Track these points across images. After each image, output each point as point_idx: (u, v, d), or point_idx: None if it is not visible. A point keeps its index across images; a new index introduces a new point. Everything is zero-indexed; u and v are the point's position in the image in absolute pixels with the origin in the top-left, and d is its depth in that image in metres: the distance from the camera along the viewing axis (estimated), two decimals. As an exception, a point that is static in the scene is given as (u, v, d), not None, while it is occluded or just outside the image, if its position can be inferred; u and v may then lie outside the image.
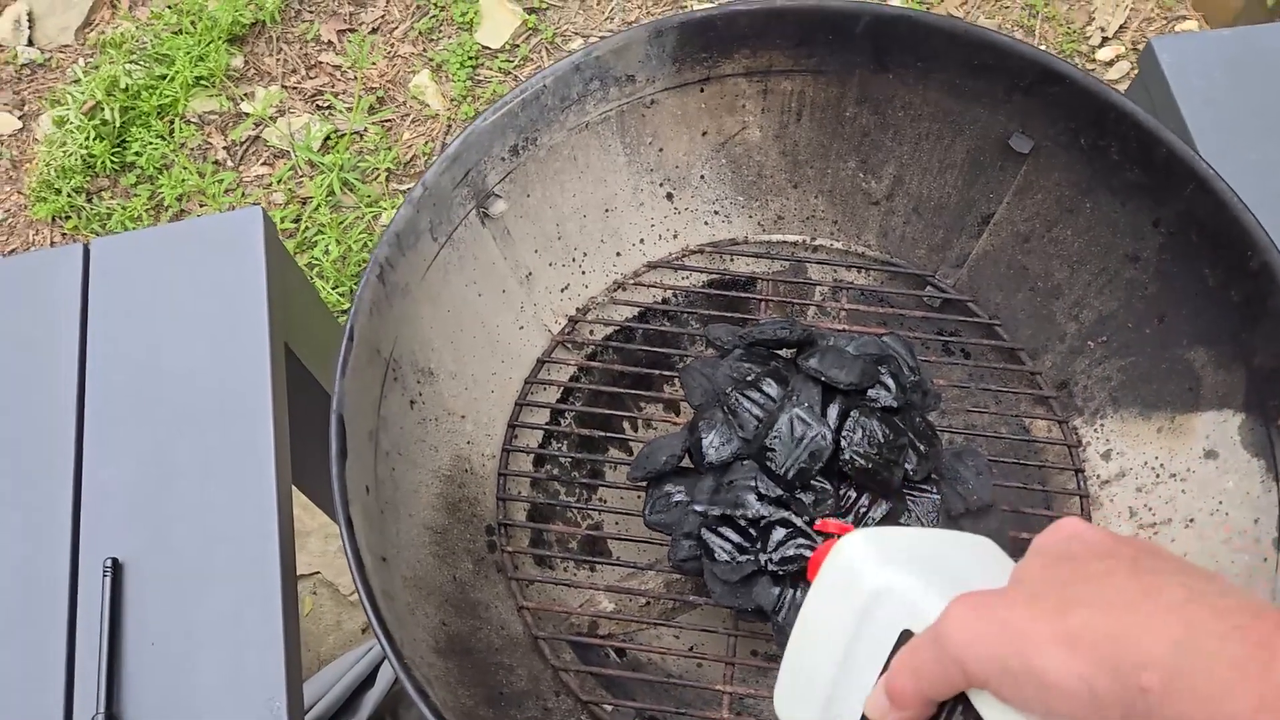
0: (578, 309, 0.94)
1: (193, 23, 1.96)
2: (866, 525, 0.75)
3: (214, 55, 1.95)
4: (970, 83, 0.84)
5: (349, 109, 1.93)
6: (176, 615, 0.78)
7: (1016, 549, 0.44)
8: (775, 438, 0.75)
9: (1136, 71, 1.91)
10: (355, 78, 2.00)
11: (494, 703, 0.74)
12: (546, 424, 0.92)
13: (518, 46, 2.03)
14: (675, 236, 0.97)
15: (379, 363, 0.76)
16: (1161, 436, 0.83)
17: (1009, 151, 0.87)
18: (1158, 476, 0.83)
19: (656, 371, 0.94)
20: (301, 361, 0.96)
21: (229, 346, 0.87)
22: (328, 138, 1.93)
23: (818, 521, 0.75)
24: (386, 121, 1.95)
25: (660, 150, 0.93)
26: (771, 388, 0.79)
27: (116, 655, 0.77)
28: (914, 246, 0.96)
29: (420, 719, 1.24)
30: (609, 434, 0.91)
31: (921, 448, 0.78)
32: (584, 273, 0.94)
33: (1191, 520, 0.79)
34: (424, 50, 2.03)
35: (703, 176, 0.95)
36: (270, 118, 1.94)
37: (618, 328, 0.96)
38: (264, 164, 1.93)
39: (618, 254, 0.96)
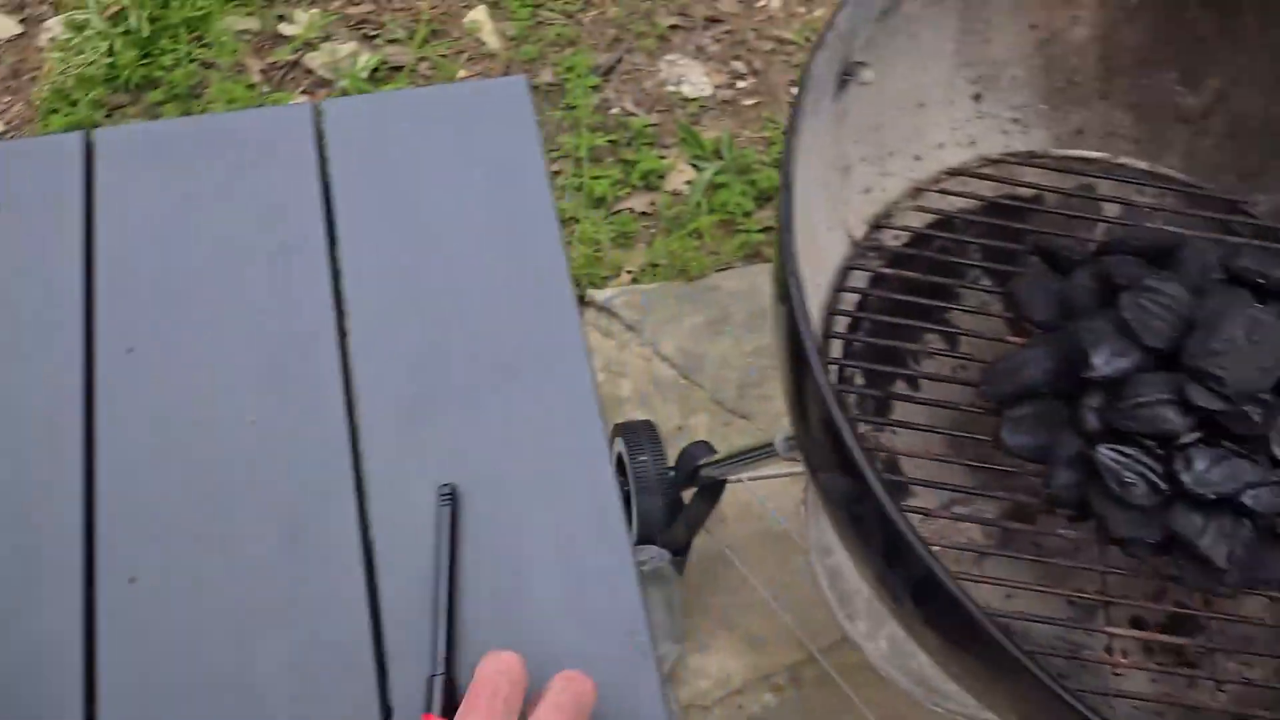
0: (876, 214, 0.84)
1: (226, -70, 1.76)
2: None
3: (251, -32, 1.75)
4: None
5: (396, 41, 1.77)
6: (507, 541, 0.64)
7: None
8: (1226, 342, 0.66)
9: None
10: (404, 7, 1.84)
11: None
12: (846, 334, 0.81)
13: (582, -12, 1.91)
14: (973, 144, 0.88)
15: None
16: None
17: (1365, 64, 0.81)
18: None
19: (952, 283, 0.85)
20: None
21: (514, 239, 0.73)
22: (376, 68, 1.76)
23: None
24: (442, 57, 1.80)
25: (986, 42, 0.83)
26: (1178, 291, 0.71)
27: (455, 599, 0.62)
28: (1221, 171, 0.89)
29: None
30: (905, 346, 0.82)
31: (1345, 364, 0.72)
32: (885, 175, 0.84)
33: None
34: (479, -15, 1.88)
35: (1014, 78, 0.86)
36: (315, 42, 1.76)
37: (911, 237, 0.86)
38: (304, 92, 1.74)
39: (917, 157, 0.86)
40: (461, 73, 1.81)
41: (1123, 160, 0.90)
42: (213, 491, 0.64)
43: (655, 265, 1.62)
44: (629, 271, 1.64)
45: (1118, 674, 0.71)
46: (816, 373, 0.54)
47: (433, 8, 1.85)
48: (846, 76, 0.73)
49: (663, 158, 1.75)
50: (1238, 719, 0.72)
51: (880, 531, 0.57)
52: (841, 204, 0.81)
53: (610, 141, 1.77)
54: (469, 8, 1.87)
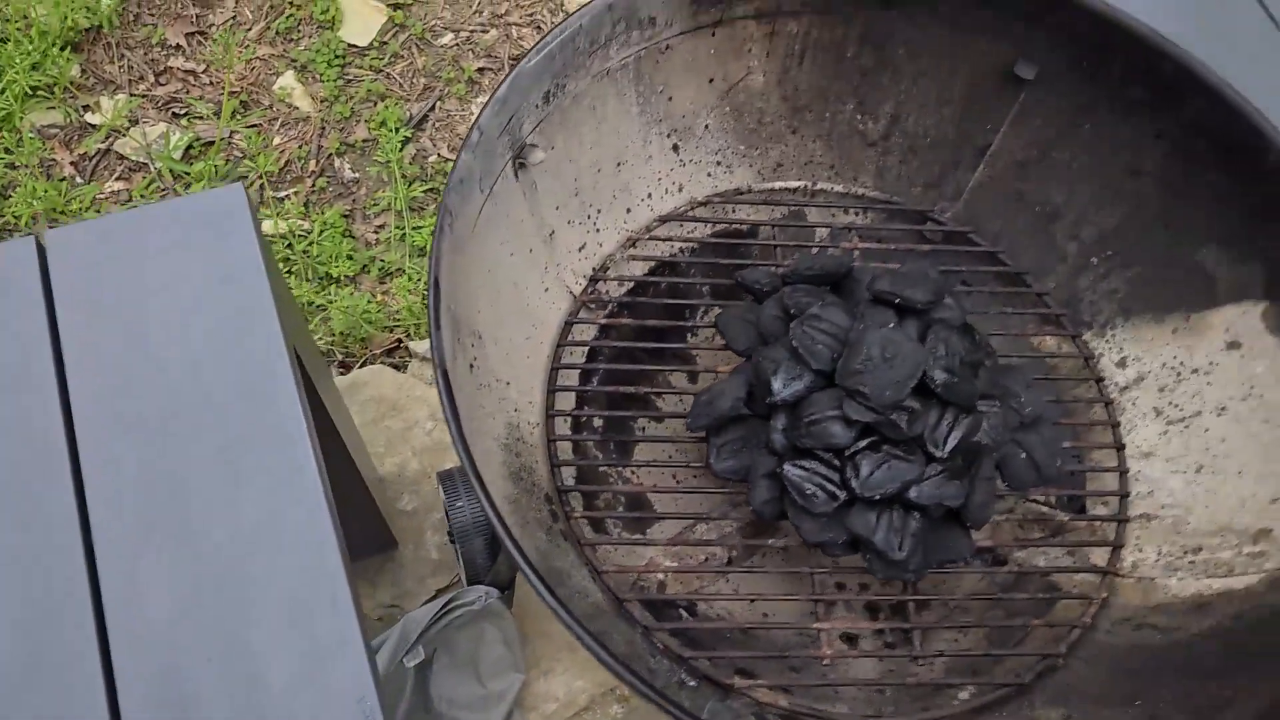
0: (594, 268, 0.91)
1: (20, 30, 1.77)
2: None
3: (49, 64, 1.77)
4: (975, 15, 0.87)
5: (214, 114, 1.80)
6: (241, 625, 0.69)
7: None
8: (865, 361, 0.74)
9: None
10: (212, 82, 1.87)
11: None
12: (578, 386, 0.88)
13: (386, 43, 1.95)
14: (681, 190, 0.95)
15: (449, 319, 0.70)
16: (1178, 337, 0.88)
17: (1007, 82, 0.90)
18: (1179, 375, 0.88)
19: (676, 324, 0.92)
20: (297, 353, 0.88)
21: (235, 340, 0.78)
22: (190, 146, 1.79)
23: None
24: (254, 126, 1.83)
25: (670, 100, 0.91)
26: (838, 316, 0.79)
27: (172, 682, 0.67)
28: (910, 184, 0.98)
29: None
30: (640, 389, 0.89)
31: (987, 363, 0.80)
32: (598, 230, 0.91)
33: (1223, 409, 0.84)
34: (285, 51, 1.92)
35: (707, 126, 0.94)
36: (122, 128, 1.78)
37: (633, 284, 0.93)
38: (119, 179, 1.77)
39: (628, 210, 0.93)
40: (276, 139, 1.85)
41: (822, 186, 0.98)
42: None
43: (480, 306, 1.68)
44: (457, 315, 1.69)
45: (826, 664, 0.79)
46: (469, 469, 0.61)
47: (240, 79, 1.88)
48: (520, 160, 0.80)
49: (480, 200, 1.79)
50: (942, 687, 0.80)
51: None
52: (554, 265, 0.88)
53: (430, 190, 1.82)
54: (277, 74, 1.90)
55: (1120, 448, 0.89)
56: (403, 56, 1.95)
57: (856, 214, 0.99)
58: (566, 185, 0.87)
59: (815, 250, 0.97)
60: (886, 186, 0.98)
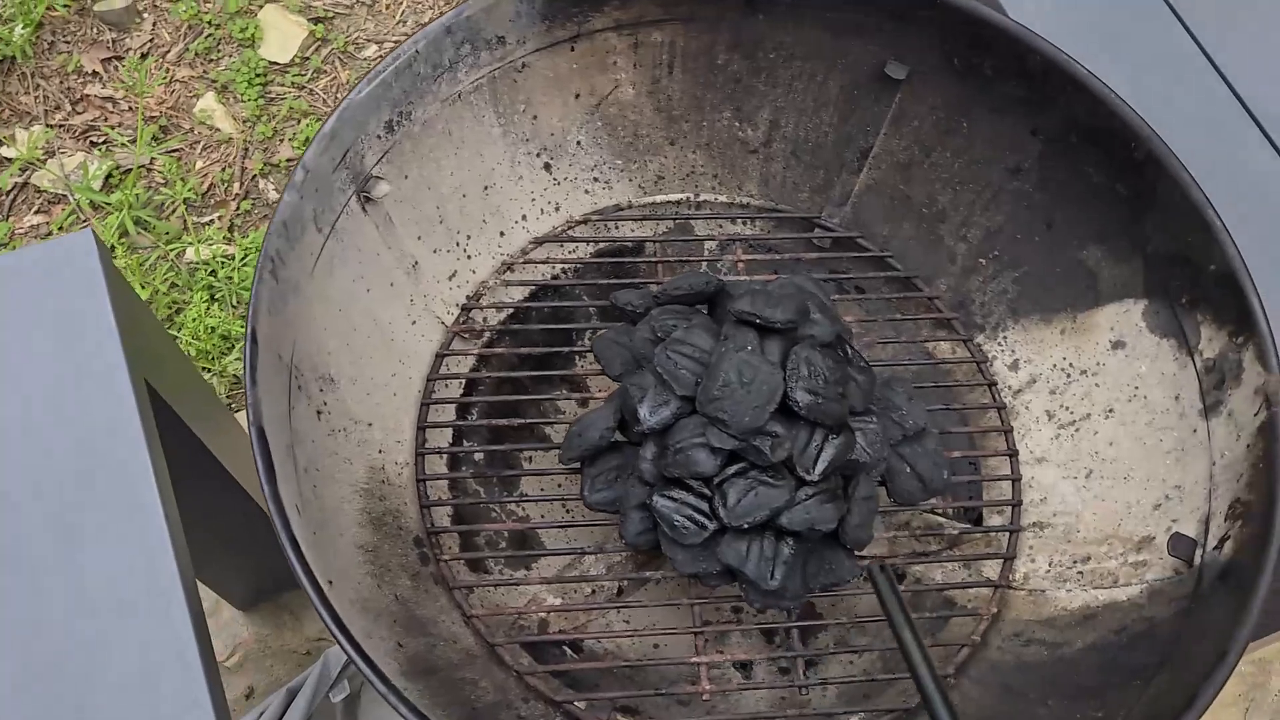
0: (468, 296, 0.88)
1: (-71, 64, 1.74)
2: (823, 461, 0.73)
3: (-40, 98, 1.74)
4: (842, 15, 0.85)
5: (130, 142, 1.77)
6: (82, 693, 0.67)
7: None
8: (723, 387, 0.72)
9: None
10: (131, 108, 1.84)
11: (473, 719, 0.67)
12: (455, 420, 0.86)
13: (308, 59, 1.92)
14: (557, 209, 0.92)
15: (282, 369, 0.67)
16: (1066, 337, 0.86)
17: (883, 82, 0.88)
18: (1069, 376, 0.85)
19: (560, 349, 0.89)
20: (166, 402, 0.85)
21: (79, 395, 0.75)
22: (109, 175, 1.76)
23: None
24: (175, 151, 1.80)
25: (534, 118, 0.88)
26: (702, 339, 0.76)
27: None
28: (796, 190, 0.95)
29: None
30: (525, 420, 0.86)
31: (859, 378, 0.78)
32: (470, 257, 0.89)
33: (1111, 411, 0.82)
34: (205, 72, 1.89)
35: (579, 143, 0.91)
36: (38, 160, 1.75)
37: (512, 310, 0.90)
38: (38, 212, 1.74)
39: (501, 233, 0.90)
40: (199, 163, 1.82)
41: (706, 197, 0.95)
42: None
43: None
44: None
45: (705, 699, 0.77)
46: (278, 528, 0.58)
47: (160, 103, 1.85)
48: (365, 195, 0.77)
49: (408, 214, 1.77)
50: (832, 715, 0.78)
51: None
52: (422, 297, 0.85)
53: (356, 206, 1.78)
54: (198, 97, 1.87)
55: (1014, 454, 0.86)
56: (325, 71, 1.91)
57: (744, 224, 0.96)
58: (428, 214, 0.84)
59: (704, 265, 0.95)
60: (772, 194, 0.95)
